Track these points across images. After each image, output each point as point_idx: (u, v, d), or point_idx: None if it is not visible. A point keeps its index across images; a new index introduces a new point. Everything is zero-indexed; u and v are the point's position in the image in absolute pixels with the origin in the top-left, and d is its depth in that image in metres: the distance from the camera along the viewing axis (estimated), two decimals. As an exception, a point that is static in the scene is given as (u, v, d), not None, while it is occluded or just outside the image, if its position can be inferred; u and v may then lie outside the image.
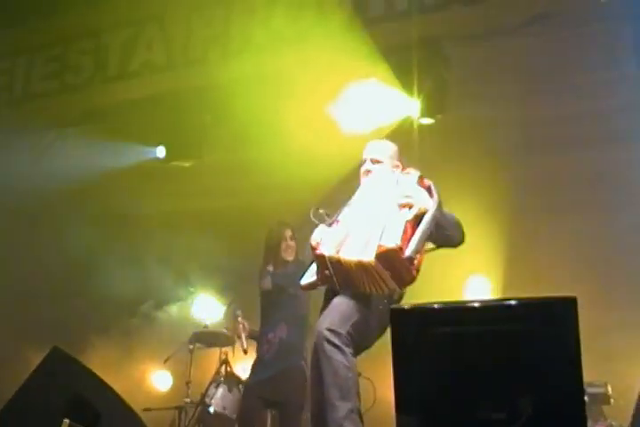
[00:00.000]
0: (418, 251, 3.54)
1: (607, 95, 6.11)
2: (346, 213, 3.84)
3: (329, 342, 3.51)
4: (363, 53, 6.00)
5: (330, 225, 3.79)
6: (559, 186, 6.49)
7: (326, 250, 3.65)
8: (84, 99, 7.58)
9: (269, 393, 5.17)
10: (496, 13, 6.05)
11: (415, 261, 3.54)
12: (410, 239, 3.54)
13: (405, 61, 6.09)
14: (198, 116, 7.06)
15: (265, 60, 6.61)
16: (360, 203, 3.88)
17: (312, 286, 3.86)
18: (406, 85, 6.17)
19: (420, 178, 3.81)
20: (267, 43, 6.59)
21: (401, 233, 3.53)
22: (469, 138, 6.53)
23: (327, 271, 3.66)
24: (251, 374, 5.44)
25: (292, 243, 5.42)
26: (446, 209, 3.84)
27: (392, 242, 3.51)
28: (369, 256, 3.54)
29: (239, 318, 5.55)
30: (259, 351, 5.35)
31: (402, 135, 6.25)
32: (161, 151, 7.51)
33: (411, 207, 3.64)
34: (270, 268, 5.44)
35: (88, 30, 7.65)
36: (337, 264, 3.62)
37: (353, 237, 3.69)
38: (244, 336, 5.45)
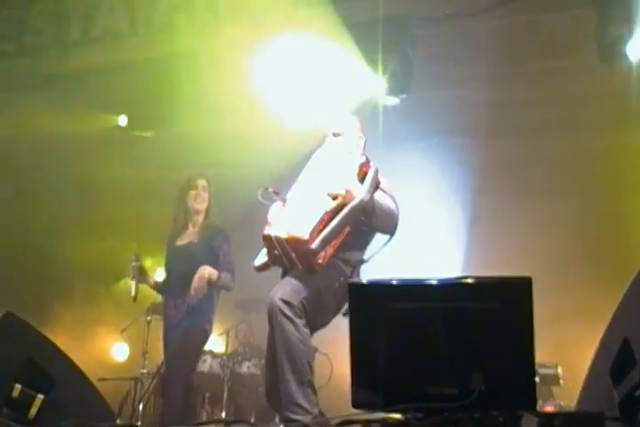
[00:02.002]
0: (326, 243, 3.57)
1: (569, 82, 6.17)
2: (293, 192, 3.84)
3: (282, 312, 3.53)
4: (329, 29, 5.97)
5: (283, 204, 3.79)
6: (520, 168, 6.57)
7: (273, 230, 3.66)
8: (43, 63, 7.38)
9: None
10: (465, -5, 6.06)
11: (322, 253, 3.57)
12: (322, 231, 3.56)
13: (372, 39, 6.07)
14: (162, 86, 6.95)
15: (229, 31, 6.53)
16: (303, 182, 3.86)
17: (264, 266, 3.88)
18: (371, 64, 6.16)
19: (363, 165, 3.76)
20: (232, 13, 6.51)
21: (315, 224, 3.55)
22: (432, 118, 6.56)
23: (276, 251, 3.68)
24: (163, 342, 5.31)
25: (204, 193, 5.27)
26: (398, 193, 3.83)
27: (302, 232, 3.54)
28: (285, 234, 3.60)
29: (133, 264, 5.30)
30: (166, 316, 5.22)
31: (366, 114, 6.26)
32: (123, 120, 7.42)
33: (336, 198, 3.63)
34: (180, 217, 5.30)
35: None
36: (282, 244, 3.64)
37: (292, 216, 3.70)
38: (134, 283, 5.24)
